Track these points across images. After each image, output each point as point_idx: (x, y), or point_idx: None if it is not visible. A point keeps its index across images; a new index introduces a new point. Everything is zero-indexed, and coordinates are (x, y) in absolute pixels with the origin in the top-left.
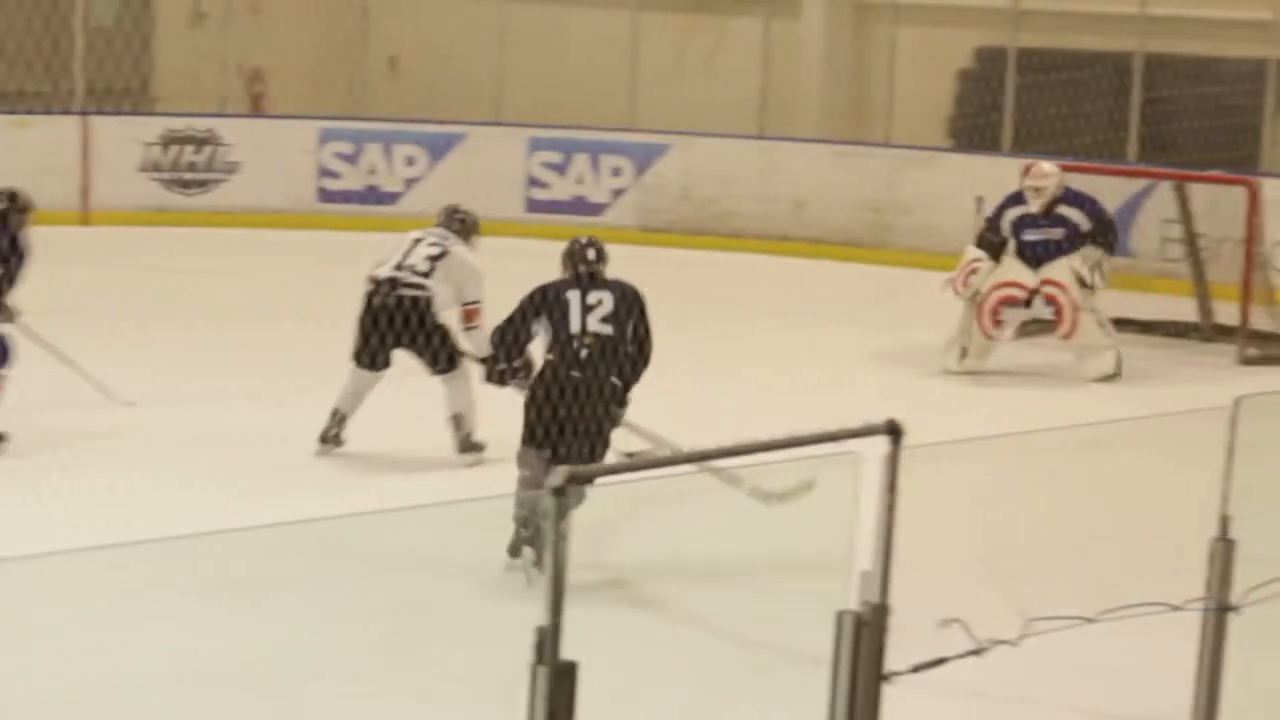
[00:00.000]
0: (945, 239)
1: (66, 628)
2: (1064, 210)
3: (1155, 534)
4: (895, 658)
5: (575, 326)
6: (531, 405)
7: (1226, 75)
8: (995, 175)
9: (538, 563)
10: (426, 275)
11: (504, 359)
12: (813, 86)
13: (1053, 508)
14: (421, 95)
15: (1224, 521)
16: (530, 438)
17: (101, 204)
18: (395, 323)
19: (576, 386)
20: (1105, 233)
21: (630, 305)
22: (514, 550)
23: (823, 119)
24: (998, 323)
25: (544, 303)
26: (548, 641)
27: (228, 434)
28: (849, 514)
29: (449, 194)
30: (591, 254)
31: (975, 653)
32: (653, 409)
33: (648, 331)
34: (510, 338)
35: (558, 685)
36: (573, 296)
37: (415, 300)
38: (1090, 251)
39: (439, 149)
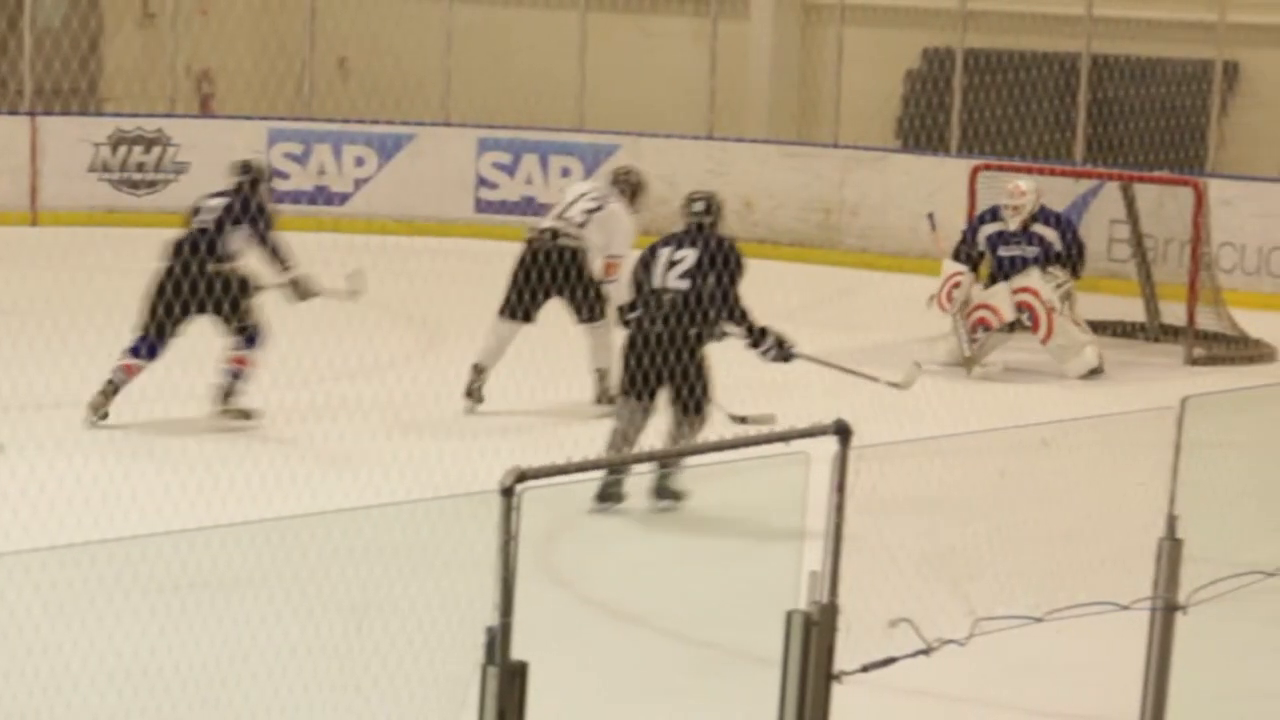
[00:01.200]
0: (894, 239)
1: (14, 628)
2: (1039, 229)
3: (1103, 533)
4: (844, 657)
5: (656, 282)
6: (626, 357)
7: (1172, 76)
8: (943, 176)
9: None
10: (581, 226)
11: (628, 309)
12: (761, 87)
13: (1001, 508)
14: (370, 96)
15: (1171, 521)
16: (626, 389)
17: (50, 204)
18: (552, 269)
19: (659, 337)
20: (1075, 257)
21: (713, 261)
22: (603, 497)
23: (771, 119)
24: (973, 341)
25: (646, 257)
26: (498, 642)
27: (181, 432)
28: (798, 514)
29: (398, 195)
30: (698, 206)
31: (924, 652)
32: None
33: (724, 290)
34: (632, 291)
35: (508, 685)
36: (663, 253)
37: (572, 251)
38: (1057, 273)
39: (388, 149)
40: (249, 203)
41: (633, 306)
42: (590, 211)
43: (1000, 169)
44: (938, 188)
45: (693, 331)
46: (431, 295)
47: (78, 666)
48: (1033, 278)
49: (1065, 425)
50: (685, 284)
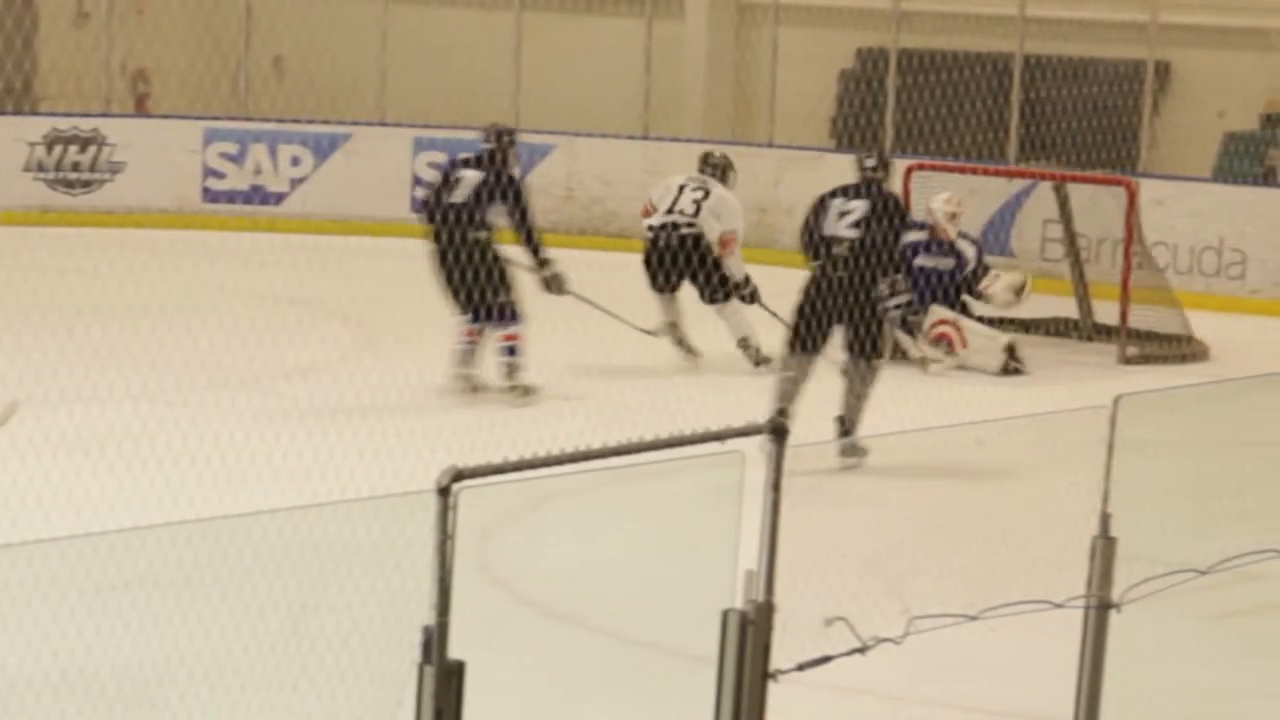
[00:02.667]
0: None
1: None
2: (963, 244)
3: (1037, 532)
4: (780, 656)
5: (827, 230)
6: (802, 305)
7: (1104, 76)
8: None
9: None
10: (695, 215)
11: (812, 257)
12: (696, 87)
13: (936, 506)
14: (306, 95)
15: (1104, 519)
16: (795, 340)
17: None
18: (678, 260)
19: (838, 282)
20: (980, 276)
21: (880, 214)
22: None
23: (706, 119)
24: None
25: (817, 207)
26: (435, 641)
27: (114, 433)
28: (733, 513)
29: (334, 194)
30: (870, 162)
31: (860, 650)
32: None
33: (887, 241)
34: (806, 237)
35: (445, 684)
36: (834, 203)
37: (694, 239)
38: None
39: (324, 149)
40: (501, 175)
41: (816, 254)
42: (699, 201)
43: (934, 169)
44: None
45: (865, 279)
46: (368, 295)
47: (14, 668)
48: (942, 310)
49: (999, 424)
50: (854, 233)
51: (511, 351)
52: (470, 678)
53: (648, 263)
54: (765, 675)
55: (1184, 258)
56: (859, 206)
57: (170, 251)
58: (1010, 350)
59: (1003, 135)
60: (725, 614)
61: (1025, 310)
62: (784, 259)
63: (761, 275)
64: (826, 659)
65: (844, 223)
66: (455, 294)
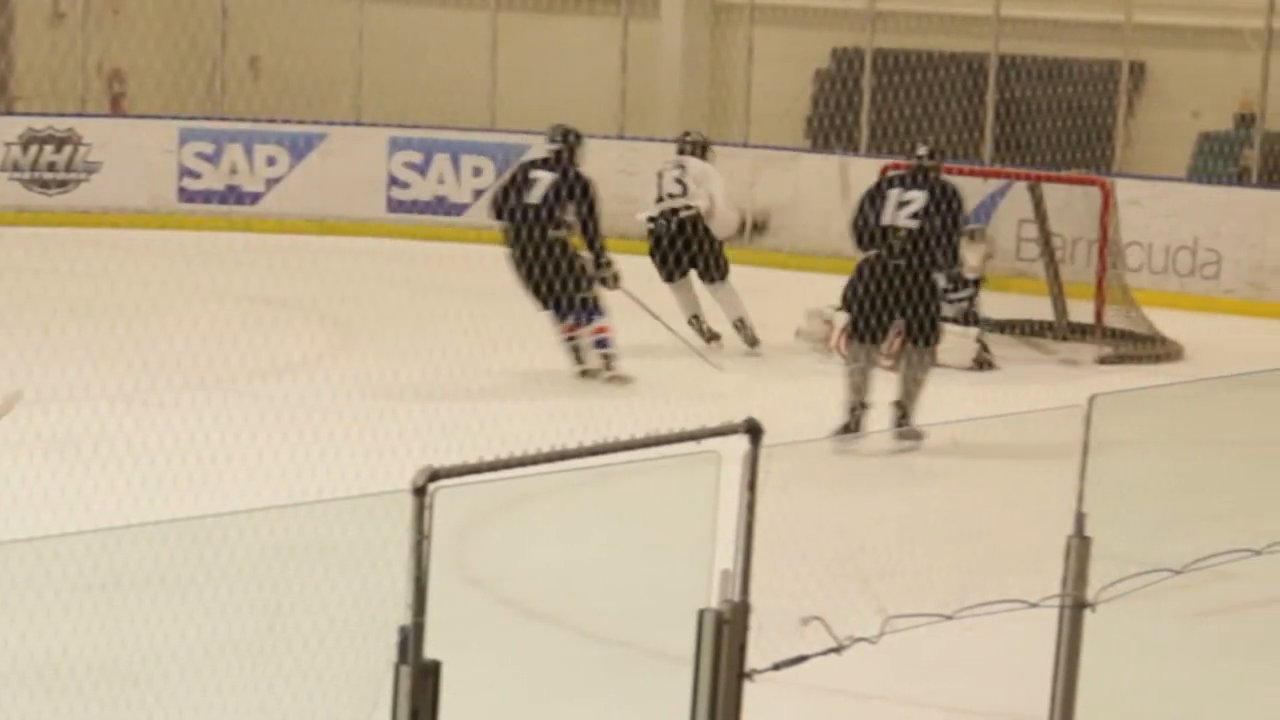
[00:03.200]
0: (804, 239)
1: None
2: None
3: (1012, 531)
4: (756, 655)
5: (886, 219)
6: (857, 293)
7: (1079, 77)
8: (852, 175)
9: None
10: (684, 193)
11: (865, 244)
12: (672, 87)
13: (911, 506)
14: (282, 95)
15: (1079, 519)
16: (855, 332)
17: None
18: (677, 243)
19: (896, 268)
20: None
21: (939, 203)
22: (853, 426)
23: (682, 119)
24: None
25: (874, 194)
26: (411, 641)
27: (90, 433)
28: (709, 513)
29: (310, 194)
30: (923, 150)
31: (835, 650)
32: (522, 407)
33: (949, 232)
34: (862, 224)
35: (421, 684)
36: (892, 193)
37: (692, 220)
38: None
39: (300, 149)
40: (568, 174)
41: (871, 242)
42: (680, 178)
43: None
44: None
45: (925, 267)
46: (343, 294)
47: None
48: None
49: (974, 424)
50: (915, 223)
51: (604, 344)
52: (446, 677)
53: (653, 255)
54: (741, 675)
55: (1159, 258)
56: (918, 197)
57: (146, 251)
58: (981, 343)
59: (978, 135)
60: (701, 614)
61: (1001, 310)
62: (758, 259)
63: (737, 275)
64: (802, 659)
65: (904, 213)
66: (536, 291)
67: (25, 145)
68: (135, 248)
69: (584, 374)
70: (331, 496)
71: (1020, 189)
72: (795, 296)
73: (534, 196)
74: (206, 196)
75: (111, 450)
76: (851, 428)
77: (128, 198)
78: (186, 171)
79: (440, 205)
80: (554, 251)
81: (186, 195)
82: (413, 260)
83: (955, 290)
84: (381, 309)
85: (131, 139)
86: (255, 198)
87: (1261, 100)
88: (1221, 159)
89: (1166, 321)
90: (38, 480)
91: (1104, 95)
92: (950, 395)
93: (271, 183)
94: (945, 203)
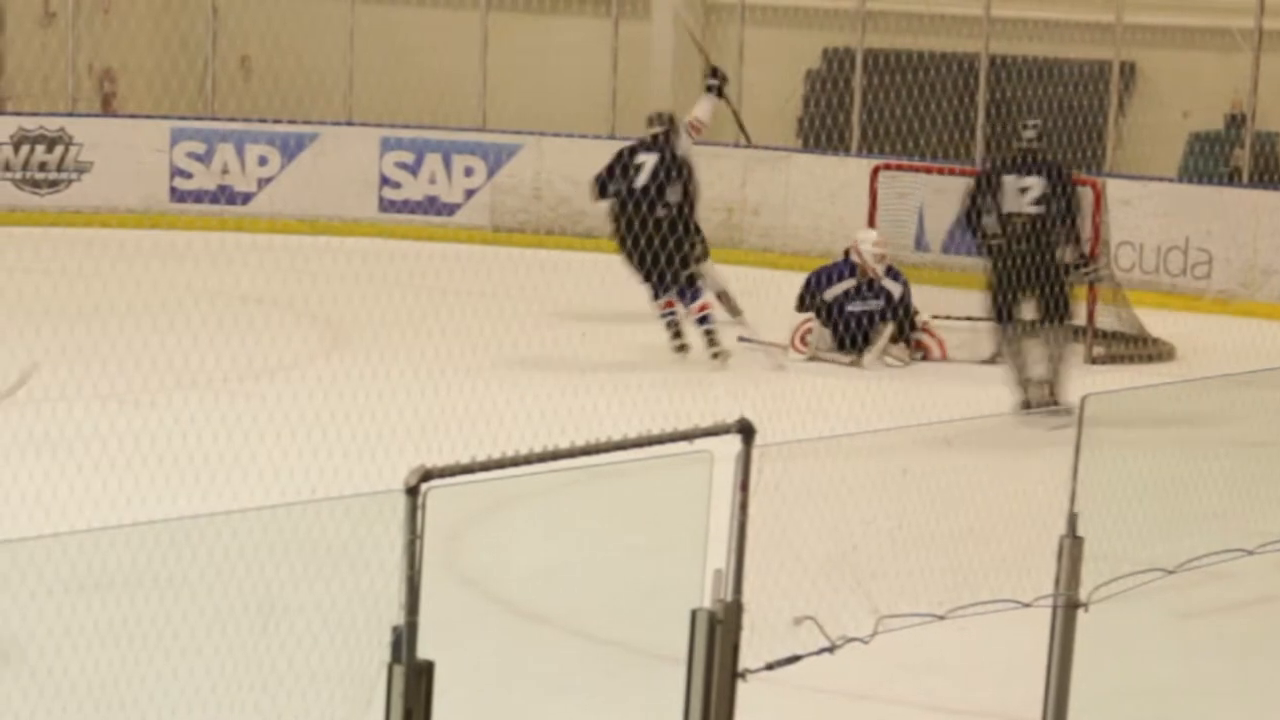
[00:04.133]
0: (795, 239)
1: None
2: (887, 283)
3: (1004, 531)
4: (749, 655)
5: (1009, 207)
6: (997, 281)
7: (1070, 77)
8: (844, 176)
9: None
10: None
11: (987, 234)
12: (662, 87)
13: (904, 506)
14: (273, 95)
15: (1072, 519)
16: (999, 315)
17: None
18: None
19: (1023, 257)
20: (907, 307)
21: (1056, 186)
22: (1027, 404)
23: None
24: (805, 343)
25: (988, 182)
26: (404, 640)
27: (81, 433)
28: (702, 512)
29: (301, 194)
30: (1030, 134)
31: (828, 650)
32: (514, 407)
33: (1073, 214)
34: (979, 214)
35: (414, 684)
36: (1009, 180)
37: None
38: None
39: (291, 149)
40: (672, 155)
41: (988, 232)
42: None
43: (900, 169)
44: (839, 187)
45: (1050, 248)
46: (335, 295)
47: None
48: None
49: (967, 424)
50: (1038, 209)
51: (706, 320)
52: (440, 677)
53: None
54: (734, 675)
55: (1150, 258)
56: (1036, 183)
57: (138, 251)
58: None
59: (969, 135)
60: (694, 613)
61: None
62: (750, 259)
63: (728, 276)
64: (795, 658)
65: (1026, 199)
66: (645, 271)
67: (16, 145)
68: (127, 248)
69: (680, 349)
70: (324, 496)
71: None
72: (786, 296)
73: (641, 179)
74: (198, 196)
75: (103, 450)
76: (1031, 404)
77: (119, 198)
78: (178, 171)
79: (432, 205)
80: (660, 230)
81: (178, 195)
82: (404, 260)
83: (1080, 265)
84: (373, 309)
85: (123, 139)
86: (247, 198)
87: (1252, 100)
88: (1212, 159)
89: (1158, 321)
90: (29, 480)
91: (1095, 95)
92: (943, 394)
93: (263, 182)
94: (1062, 185)
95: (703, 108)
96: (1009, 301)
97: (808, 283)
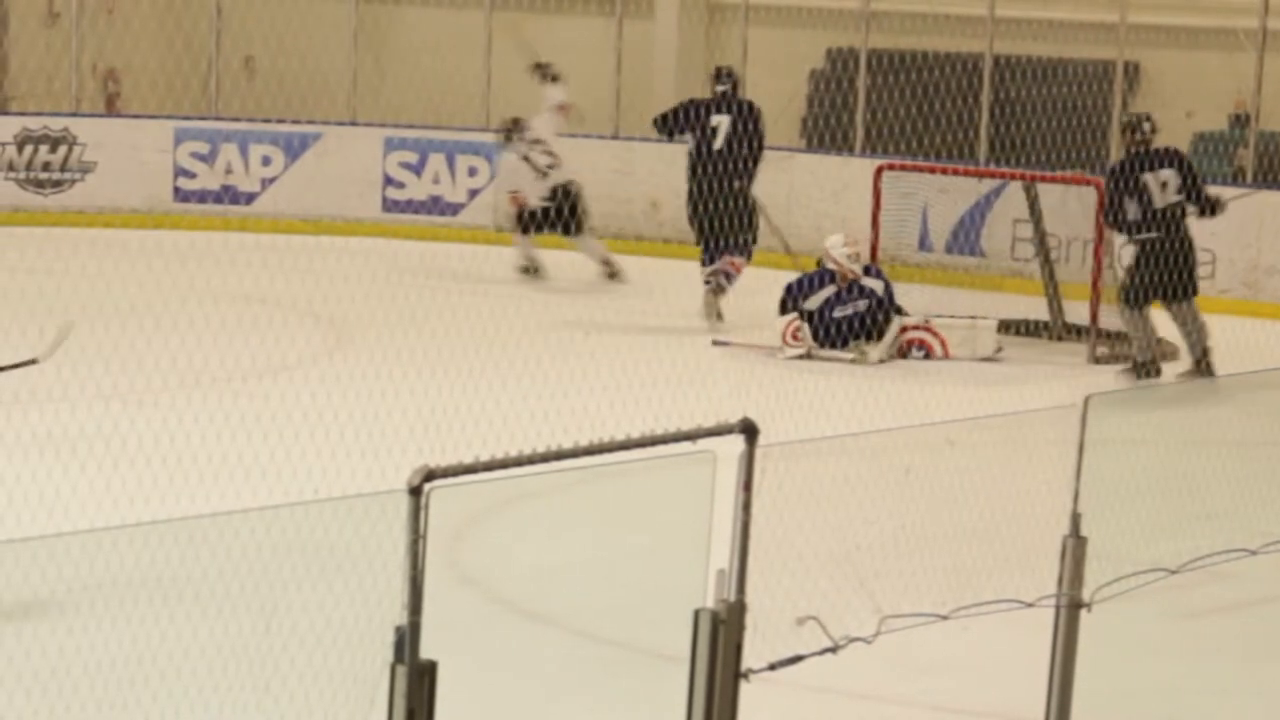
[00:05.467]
0: (798, 239)
1: None
2: (867, 281)
3: (1007, 531)
4: (752, 655)
5: (1158, 203)
6: (1141, 269)
7: (1074, 77)
8: (847, 175)
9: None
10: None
11: (1138, 230)
12: (666, 87)
13: (907, 506)
14: (277, 95)
15: (1075, 518)
16: (1130, 299)
17: None
18: (564, 208)
19: (1172, 244)
20: (893, 300)
21: (1183, 170)
22: (1153, 371)
23: None
24: (797, 338)
25: (1130, 183)
26: (407, 641)
27: (84, 433)
28: (705, 512)
29: (305, 194)
30: (1147, 126)
31: (831, 650)
32: (517, 407)
33: (1196, 183)
34: (1125, 214)
35: (417, 684)
36: (1148, 178)
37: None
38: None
39: (295, 149)
40: (742, 108)
41: (1136, 230)
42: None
43: (904, 169)
44: (842, 187)
45: (1188, 231)
46: (339, 295)
47: None
48: (904, 320)
49: (970, 424)
50: (1180, 197)
51: (729, 277)
52: (442, 677)
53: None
54: (737, 675)
55: None
56: (1171, 175)
57: (141, 251)
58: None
59: (972, 135)
60: (697, 613)
61: (996, 310)
62: (753, 259)
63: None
64: (798, 658)
65: (1169, 192)
66: (702, 230)
67: (20, 145)
68: (130, 248)
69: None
70: (327, 496)
71: (1015, 189)
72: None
73: (718, 142)
74: (201, 196)
75: (106, 450)
76: (1152, 372)
77: (123, 198)
78: (181, 171)
79: (435, 205)
80: (734, 200)
81: (181, 195)
82: (408, 260)
83: (1214, 214)
84: (376, 309)
85: (126, 139)
86: (250, 197)
87: (1256, 100)
88: (1216, 159)
89: (1161, 321)
90: (33, 480)
91: (1099, 95)
92: (946, 394)
93: (266, 182)
94: (1188, 165)
95: (555, 95)
96: (1148, 285)
97: (788, 289)
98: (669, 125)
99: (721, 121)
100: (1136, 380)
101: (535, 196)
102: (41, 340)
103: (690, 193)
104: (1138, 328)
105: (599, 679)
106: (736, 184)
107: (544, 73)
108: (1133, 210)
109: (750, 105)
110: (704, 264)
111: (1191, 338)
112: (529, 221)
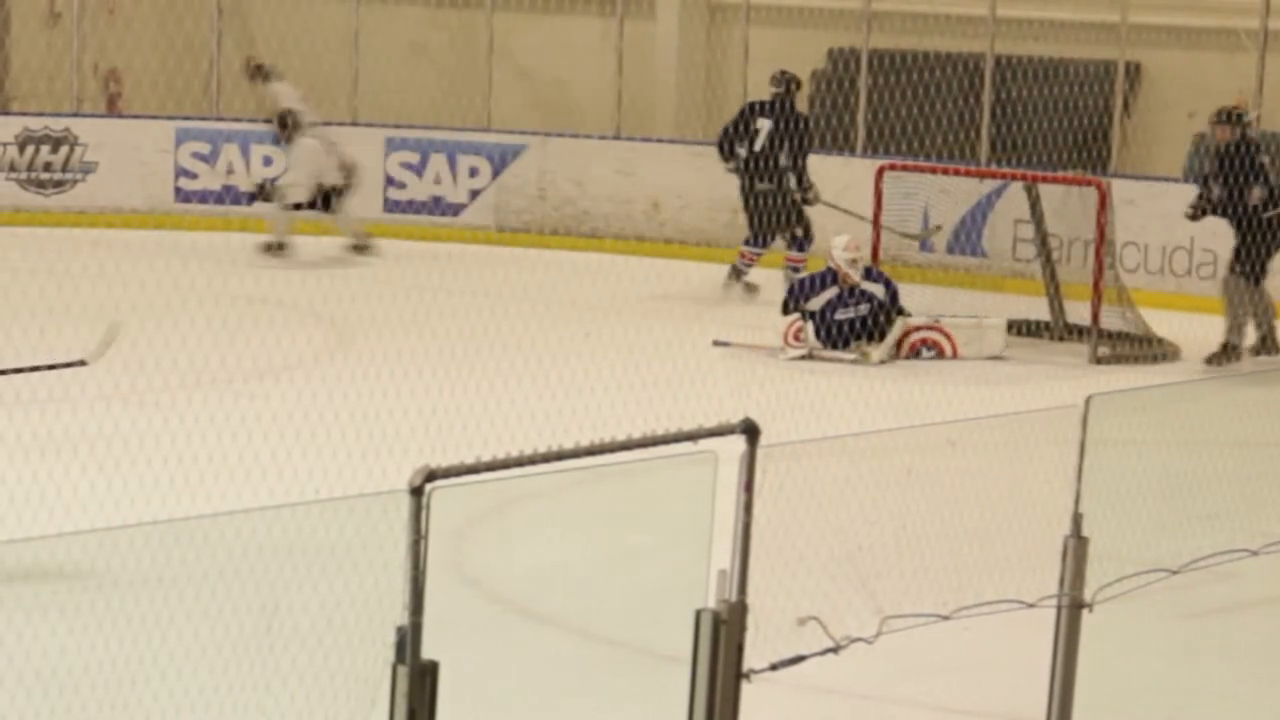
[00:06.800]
0: None
1: None
2: (868, 285)
3: (1009, 532)
4: (754, 655)
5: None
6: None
7: (1075, 77)
8: (849, 176)
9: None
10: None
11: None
12: (668, 87)
13: (908, 506)
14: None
15: (1076, 519)
16: (1256, 275)
17: None
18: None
19: (1267, 224)
20: (896, 302)
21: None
22: (1233, 356)
23: (678, 119)
24: (799, 338)
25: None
26: (408, 641)
27: (85, 433)
28: (706, 513)
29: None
30: (1249, 118)
31: (833, 650)
32: (518, 407)
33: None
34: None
35: (418, 684)
36: (1265, 160)
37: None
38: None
39: None
40: (786, 117)
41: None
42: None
43: (905, 169)
44: (844, 187)
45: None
46: (340, 295)
47: None
48: (911, 320)
49: (971, 424)
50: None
51: (796, 271)
52: (444, 677)
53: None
54: (739, 675)
55: (1155, 258)
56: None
57: (142, 251)
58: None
59: (974, 135)
60: (698, 614)
61: (998, 310)
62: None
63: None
64: (800, 659)
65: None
66: (751, 224)
67: (21, 145)
68: (132, 248)
69: (748, 289)
70: (328, 496)
71: (1016, 189)
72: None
73: (758, 144)
74: (203, 197)
75: (108, 450)
76: (1233, 358)
77: (124, 198)
78: (183, 172)
79: (436, 205)
80: (779, 184)
81: (183, 195)
82: (409, 260)
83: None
84: (378, 309)
85: (128, 139)
86: (251, 198)
87: (1257, 100)
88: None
89: (1163, 322)
90: (34, 480)
91: (1100, 96)
92: (947, 395)
93: (268, 183)
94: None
95: (287, 96)
96: (1258, 261)
97: (790, 290)
98: (723, 151)
99: (764, 125)
100: (1221, 366)
101: (331, 172)
102: (41, 340)
103: (739, 188)
104: (1234, 314)
105: (600, 679)
106: (762, 184)
107: (263, 74)
108: (1258, 192)
109: (792, 108)
110: (750, 244)
111: (1261, 322)
112: (321, 200)
